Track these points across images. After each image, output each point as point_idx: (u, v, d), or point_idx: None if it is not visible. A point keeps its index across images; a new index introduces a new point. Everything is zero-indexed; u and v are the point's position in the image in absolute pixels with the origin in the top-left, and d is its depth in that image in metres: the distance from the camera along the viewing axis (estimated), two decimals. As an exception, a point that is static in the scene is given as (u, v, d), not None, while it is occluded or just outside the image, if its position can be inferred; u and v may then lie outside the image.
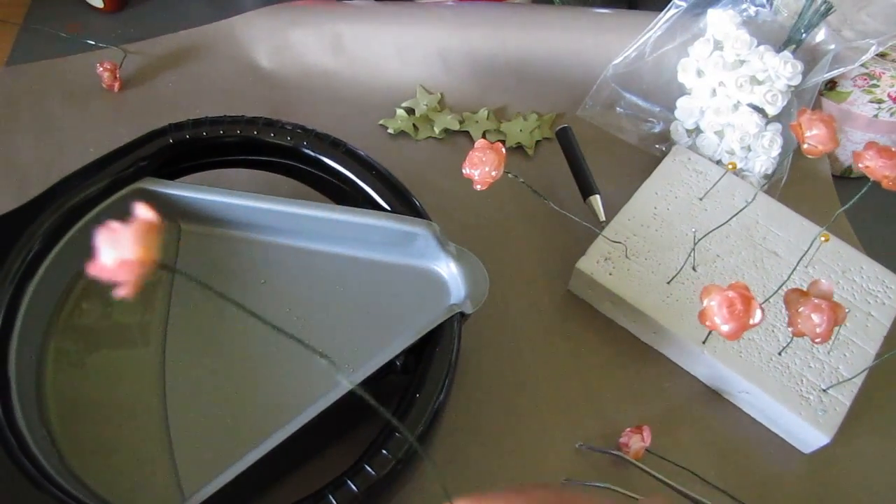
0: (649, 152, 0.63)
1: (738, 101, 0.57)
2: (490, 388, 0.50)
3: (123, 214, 0.22)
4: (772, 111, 0.56)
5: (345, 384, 0.29)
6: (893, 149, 0.40)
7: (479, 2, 0.68)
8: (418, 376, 0.42)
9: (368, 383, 0.42)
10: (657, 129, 0.63)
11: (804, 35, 0.57)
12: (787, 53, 0.55)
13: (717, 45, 0.57)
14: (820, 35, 0.58)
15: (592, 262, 0.52)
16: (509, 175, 0.43)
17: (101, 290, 0.48)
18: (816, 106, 0.61)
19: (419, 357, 0.43)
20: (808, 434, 0.48)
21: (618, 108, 0.64)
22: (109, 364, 0.46)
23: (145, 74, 0.64)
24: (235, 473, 0.38)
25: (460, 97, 0.65)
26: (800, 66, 0.55)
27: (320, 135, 0.50)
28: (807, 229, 0.55)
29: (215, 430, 0.43)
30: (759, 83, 0.56)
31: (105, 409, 0.45)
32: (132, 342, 0.47)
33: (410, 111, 0.63)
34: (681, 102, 0.61)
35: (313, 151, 0.49)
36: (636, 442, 0.47)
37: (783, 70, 0.55)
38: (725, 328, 0.40)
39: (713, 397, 0.52)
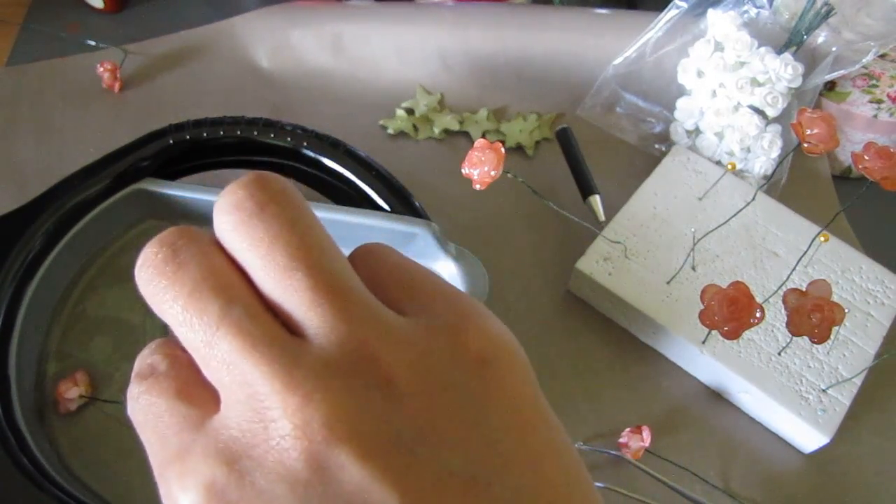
0: (649, 152, 0.63)
1: (739, 103, 0.57)
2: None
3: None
4: (772, 113, 0.56)
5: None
6: (892, 149, 0.41)
7: (479, 2, 0.68)
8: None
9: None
10: (657, 130, 0.63)
11: (805, 37, 0.57)
12: (787, 55, 0.55)
13: (718, 47, 0.57)
14: (820, 37, 0.58)
15: (592, 263, 0.52)
16: (509, 175, 0.43)
17: (101, 289, 0.48)
18: (816, 107, 0.61)
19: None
20: (808, 434, 0.48)
21: (618, 109, 0.64)
22: (110, 364, 0.46)
23: (145, 74, 0.64)
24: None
25: (460, 97, 0.65)
26: (800, 68, 0.55)
27: (320, 135, 0.50)
28: (806, 229, 0.55)
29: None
30: (760, 85, 0.56)
31: (105, 408, 0.45)
32: (133, 341, 0.47)
33: (410, 111, 0.63)
34: (681, 103, 0.61)
35: (313, 152, 0.49)
36: (636, 442, 0.47)
37: (784, 72, 0.55)
38: (725, 328, 0.40)
39: (713, 397, 0.52)
